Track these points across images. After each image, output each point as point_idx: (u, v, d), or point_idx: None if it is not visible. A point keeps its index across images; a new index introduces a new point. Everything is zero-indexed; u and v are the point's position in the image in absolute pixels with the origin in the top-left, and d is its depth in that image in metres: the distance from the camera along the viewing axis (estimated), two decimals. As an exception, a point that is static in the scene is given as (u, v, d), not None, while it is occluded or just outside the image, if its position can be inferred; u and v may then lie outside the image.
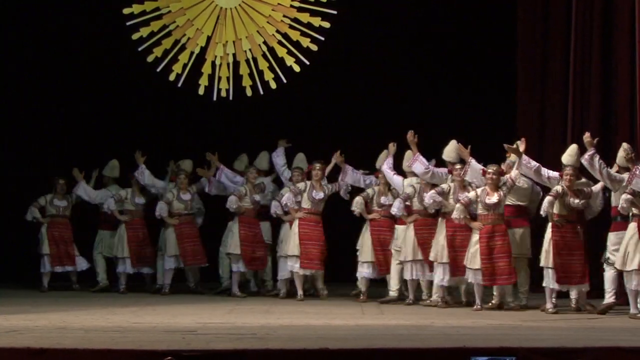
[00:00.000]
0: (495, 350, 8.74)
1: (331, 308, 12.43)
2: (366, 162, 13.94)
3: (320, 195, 13.71)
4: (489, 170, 12.45)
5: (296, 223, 13.71)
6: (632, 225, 11.68)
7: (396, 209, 13.11)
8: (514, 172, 12.43)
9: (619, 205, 11.69)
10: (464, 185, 12.78)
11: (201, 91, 15.37)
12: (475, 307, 12.43)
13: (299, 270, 13.63)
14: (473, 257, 12.36)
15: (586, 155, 11.88)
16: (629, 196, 11.57)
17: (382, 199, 13.55)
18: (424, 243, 12.98)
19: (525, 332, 10.25)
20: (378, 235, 13.57)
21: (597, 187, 12.28)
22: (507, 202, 12.56)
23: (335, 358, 8.67)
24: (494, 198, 12.33)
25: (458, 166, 12.83)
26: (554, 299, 12.19)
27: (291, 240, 13.68)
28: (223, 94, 15.36)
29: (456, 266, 12.63)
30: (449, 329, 10.53)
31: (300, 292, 13.71)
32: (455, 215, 12.42)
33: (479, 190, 12.47)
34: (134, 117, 15.97)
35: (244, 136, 15.76)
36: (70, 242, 14.93)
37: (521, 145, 12.50)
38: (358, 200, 13.54)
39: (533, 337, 9.74)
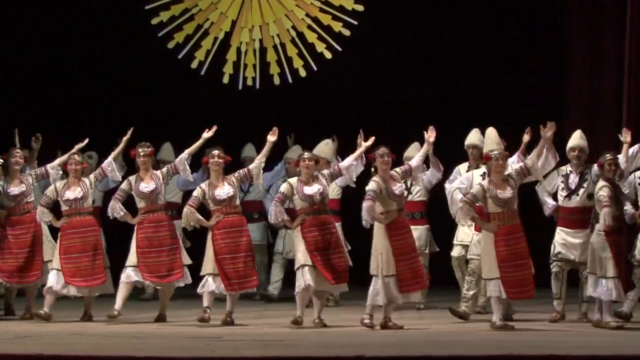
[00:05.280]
0: (543, 357, 8.53)
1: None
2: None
3: (151, 187, 11.32)
4: (494, 153, 10.56)
5: (135, 228, 11.45)
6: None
7: (272, 216, 10.96)
8: (530, 160, 10.74)
9: None
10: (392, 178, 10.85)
11: (226, 80, 15.31)
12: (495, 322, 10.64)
13: (141, 281, 11.50)
14: (492, 264, 10.52)
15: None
16: None
17: (217, 192, 11.13)
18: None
19: (575, 339, 10.10)
20: (223, 240, 11.15)
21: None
22: None
23: (371, 366, 8.56)
24: (507, 192, 10.48)
25: (385, 150, 10.88)
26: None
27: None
28: (249, 82, 15.33)
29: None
30: (494, 334, 10.40)
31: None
32: (461, 215, 10.62)
33: (485, 183, 10.61)
34: (153, 106, 15.71)
35: (270, 127, 15.41)
36: None
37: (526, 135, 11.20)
38: (186, 211, 11.06)
39: (583, 345, 9.51)
